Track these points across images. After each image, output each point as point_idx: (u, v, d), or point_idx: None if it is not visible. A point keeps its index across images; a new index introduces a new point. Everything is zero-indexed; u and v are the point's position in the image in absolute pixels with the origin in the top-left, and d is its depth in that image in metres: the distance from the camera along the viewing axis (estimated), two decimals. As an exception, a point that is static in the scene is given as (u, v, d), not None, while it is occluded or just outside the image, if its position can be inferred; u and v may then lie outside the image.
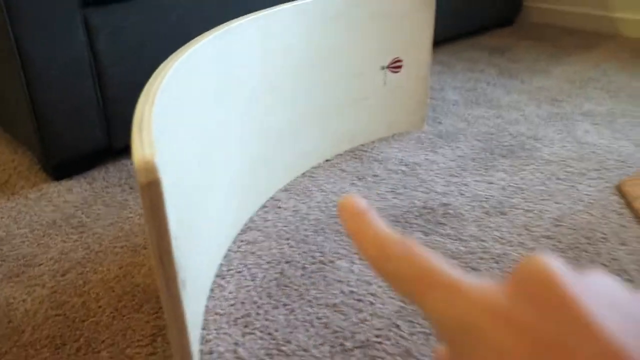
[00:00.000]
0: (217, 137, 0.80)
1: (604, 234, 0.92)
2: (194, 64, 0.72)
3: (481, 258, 0.86)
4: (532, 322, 0.18)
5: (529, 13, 2.37)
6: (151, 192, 0.43)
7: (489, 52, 1.93)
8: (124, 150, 1.24)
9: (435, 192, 1.05)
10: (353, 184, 1.08)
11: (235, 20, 0.86)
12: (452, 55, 1.91)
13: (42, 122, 1.06)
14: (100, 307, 0.78)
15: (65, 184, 1.12)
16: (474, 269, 0.83)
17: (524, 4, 2.37)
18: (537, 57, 1.86)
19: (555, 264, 0.19)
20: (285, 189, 1.07)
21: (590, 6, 2.19)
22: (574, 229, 0.93)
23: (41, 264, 0.88)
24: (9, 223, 1.00)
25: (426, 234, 0.92)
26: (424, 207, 1.00)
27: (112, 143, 1.17)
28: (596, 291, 0.19)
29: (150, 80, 0.61)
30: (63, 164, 1.13)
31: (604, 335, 0.17)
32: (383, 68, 1.18)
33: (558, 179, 1.09)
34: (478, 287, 0.20)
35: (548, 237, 0.91)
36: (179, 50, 0.71)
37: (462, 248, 0.88)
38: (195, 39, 0.76)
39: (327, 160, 1.17)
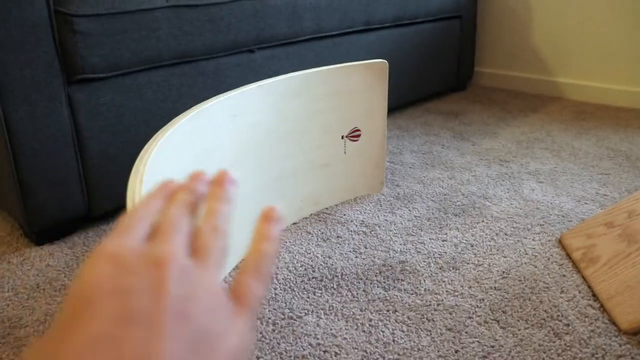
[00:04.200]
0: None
1: (546, 283, 1.02)
2: (174, 142, 0.81)
3: (435, 310, 0.95)
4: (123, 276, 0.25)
5: (480, 77, 2.55)
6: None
7: (443, 116, 2.08)
8: (103, 216, 1.31)
9: (394, 250, 1.14)
10: (318, 244, 1.17)
11: (208, 101, 0.96)
12: (410, 119, 2.05)
13: (25, 190, 1.13)
14: None
15: (47, 248, 1.19)
16: (429, 320, 0.92)
17: (475, 69, 2.55)
18: (487, 120, 2.01)
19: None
20: (256, 250, 1.15)
21: (535, 72, 2.38)
22: (520, 280, 1.03)
23: (27, 326, 0.93)
24: (-6, 288, 1.05)
25: (386, 290, 1.01)
26: (384, 265, 1.09)
27: (92, 210, 1.24)
28: None
29: (137, 160, 0.69)
30: (45, 230, 1.20)
31: None
32: (343, 137, 1.29)
33: (505, 234, 1.20)
34: (124, 240, 0.28)
35: (496, 289, 1.00)
36: (160, 131, 0.80)
37: (418, 301, 0.97)
38: (173, 120, 0.86)
39: (294, 224, 1.26)
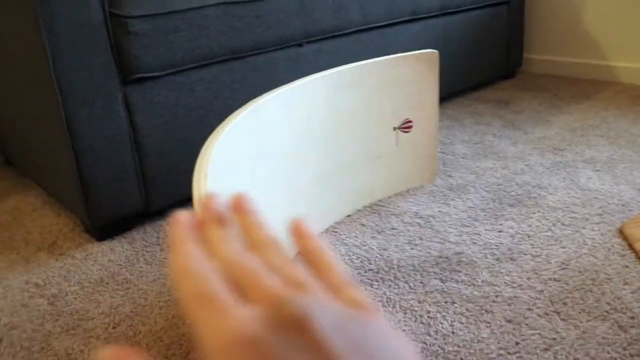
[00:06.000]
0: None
1: (608, 275, 0.99)
2: (233, 137, 0.83)
3: (494, 301, 0.94)
4: (276, 352, 0.21)
5: (529, 64, 2.50)
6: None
7: (493, 104, 2.04)
8: (159, 212, 1.35)
9: (449, 242, 1.13)
10: (373, 237, 1.17)
11: (263, 96, 0.97)
12: (459, 109, 2.02)
13: (86, 188, 1.17)
14: (151, 356, 0.86)
15: (107, 244, 1.23)
16: (488, 311, 0.91)
17: (524, 56, 2.50)
18: (538, 108, 1.96)
19: (309, 311, 0.22)
20: (310, 243, 1.16)
21: (588, 56, 2.31)
22: (580, 272, 1.01)
23: (94, 318, 0.97)
24: (60, 281, 1.09)
25: (443, 281, 1.00)
26: (440, 256, 1.08)
27: (149, 206, 1.27)
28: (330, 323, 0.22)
29: (199, 156, 0.71)
30: (105, 226, 1.23)
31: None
32: (395, 129, 1.28)
33: (563, 224, 1.17)
34: (242, 314, 0.23)
35: (555, 280, 0.98)
36: (219, 127, 0.81)
37: (476, 293, 0.96)
38: (231, 115, 0.88)
39: (348, 216, 1.27)
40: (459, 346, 0.84)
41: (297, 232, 0.30)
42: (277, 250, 0.28)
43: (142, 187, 1.25)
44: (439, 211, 1.26)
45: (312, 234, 0.30)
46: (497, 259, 1.06)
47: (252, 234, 0.29)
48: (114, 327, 0.94)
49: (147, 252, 1.18)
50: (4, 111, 1.52)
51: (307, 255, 0.29)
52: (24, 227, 1.35)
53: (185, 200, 1.37)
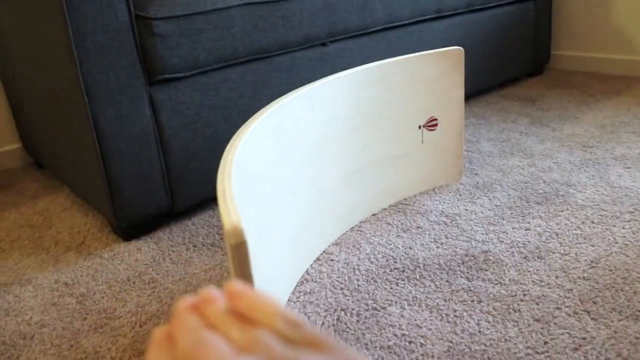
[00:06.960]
0: (274, 199, 0.91)
1: (640, 274, 0.97)
2: (257, 136, 0.83)
3: (522, 300, 0.92)
4: None
5: (557, 61, 2.46)
6: (239, 251, 0.53)
7: (520, 102, 2.01)
8: (185, 212, 1.36)
9: (476, 240, 1.12)
10: (399, 235, 1.16)
11: (288, 95, 0.97)
12: (486, 107, 2.00)
13: (113, 188, 1.18)
14: (177, 354, 0.87)
15: (134, 244, 1.24)
16: (515, 310, 0.90)
17: (552, 52, 2.46)
18: (567, 105, 1.93)
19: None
20: (336, 243, 1.16)
21: (618, 51, 2.26)
22: (610, 270, 0.98)
23: (121, 317, 0.98)
24: (89, 280, 1.11)
25: (469, 280, 0.99)
26: (466, 255, 1.07)
27: (174, 206, 1.28)
28: None
29: (223, 156, 0.71)
30: (132, 226, 1.25)
31: None
32: (420, 127, 1.27)
33: (592, 222, 1.15)
34: None
35: (585, 279, 0.96)
36: (243, 126, 0.82)
37: (503, 292, 0.95)
38: (255, 114, 0.88)
39: (373, 215, 1.26)
40: (485, 345, 0.83)
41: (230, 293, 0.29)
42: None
43: (168, 187, 1.26)
44: (465, 209, 1.25)
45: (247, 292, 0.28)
46: (525, 258, 1.04)
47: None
48: (140, 326, 0.95)
49: (172, 251, 1.19)
50: (34, 114, 1.55)
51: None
52: (54, 227, 1.37)
53: (210, 199, 1.38)
